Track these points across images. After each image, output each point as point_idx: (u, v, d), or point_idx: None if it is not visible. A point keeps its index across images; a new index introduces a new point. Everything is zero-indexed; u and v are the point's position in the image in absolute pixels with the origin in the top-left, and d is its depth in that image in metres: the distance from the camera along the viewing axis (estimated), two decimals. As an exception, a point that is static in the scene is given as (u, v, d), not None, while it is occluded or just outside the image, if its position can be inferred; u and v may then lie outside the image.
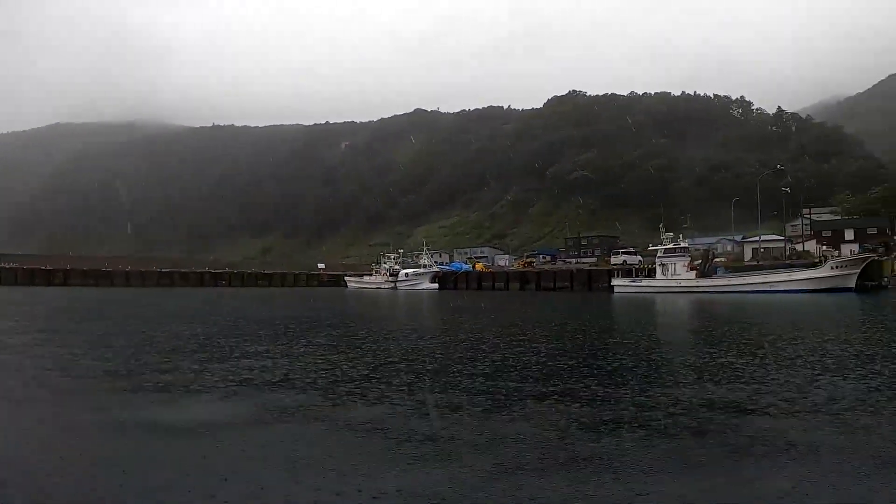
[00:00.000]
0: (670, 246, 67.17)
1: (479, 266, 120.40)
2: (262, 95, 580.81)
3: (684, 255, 67.49)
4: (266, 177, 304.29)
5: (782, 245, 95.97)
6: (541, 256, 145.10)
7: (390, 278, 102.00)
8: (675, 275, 63.34)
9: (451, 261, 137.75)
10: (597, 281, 76.93)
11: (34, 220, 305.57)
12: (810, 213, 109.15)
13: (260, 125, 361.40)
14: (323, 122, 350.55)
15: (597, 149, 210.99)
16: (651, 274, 67.57)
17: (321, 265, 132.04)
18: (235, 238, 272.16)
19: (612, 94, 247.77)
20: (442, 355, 18.38)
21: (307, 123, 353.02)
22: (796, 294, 53.19)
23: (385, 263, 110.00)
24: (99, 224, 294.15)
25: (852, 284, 54.66)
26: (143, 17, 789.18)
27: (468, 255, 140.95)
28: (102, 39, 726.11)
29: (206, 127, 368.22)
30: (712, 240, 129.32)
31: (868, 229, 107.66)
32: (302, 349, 19.46)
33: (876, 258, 60.12)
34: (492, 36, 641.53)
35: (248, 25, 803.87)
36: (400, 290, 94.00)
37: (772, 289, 55.79)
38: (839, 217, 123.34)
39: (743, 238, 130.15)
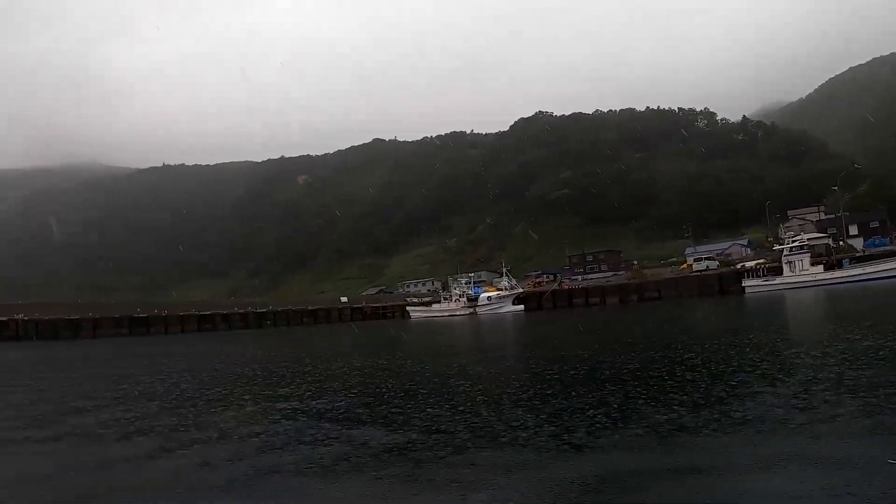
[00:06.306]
0: (795, 244, 68.40)
1: (491, 289, 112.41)
2: (209, 133, 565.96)
3: (806, 252, 69.47)
4: (220, 216, 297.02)
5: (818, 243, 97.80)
6: (544, 276, 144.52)
7: (468, 303, 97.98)
8: (804, 270, 64.86)
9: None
10: (707, 285, 76.57)
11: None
12: (827, 209, 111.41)
13: (211, 163, 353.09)
14: (277, 157, 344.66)
15: (572, 167, 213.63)
16: (778, 272, 68.30)
17: (344, 299, 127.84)
18: (191, 280, 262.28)
19: (578, 112, 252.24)
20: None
21: (257, 160, 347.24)
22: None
23: (456, 289, 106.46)
24: (38, 271, 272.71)
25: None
26: (101, 55, 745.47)
27: (480, 281, 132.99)
28: (57, 79, 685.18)
29: (156, 167, 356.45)
30: (725, 245, 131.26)
31: (871, 223, 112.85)
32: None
33: None
34: (446, 65, 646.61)
35: (190, 58, 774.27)
36: (481, 314, 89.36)
37: (905, 274, 57.29)
38: (833, 215, 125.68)
39: (749, 243, 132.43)
